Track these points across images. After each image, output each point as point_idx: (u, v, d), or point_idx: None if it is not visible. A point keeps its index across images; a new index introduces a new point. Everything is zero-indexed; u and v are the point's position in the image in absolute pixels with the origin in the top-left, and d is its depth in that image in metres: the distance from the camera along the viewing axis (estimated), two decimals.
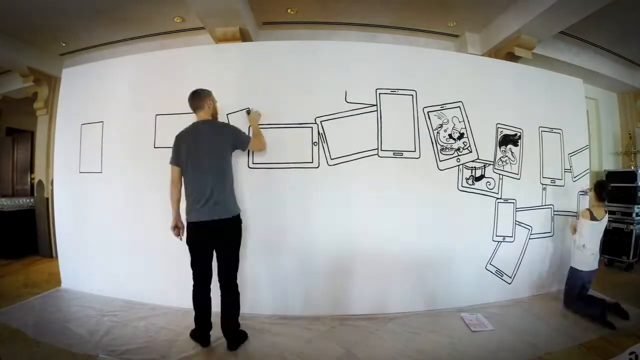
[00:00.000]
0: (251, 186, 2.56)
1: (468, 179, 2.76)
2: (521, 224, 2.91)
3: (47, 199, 4.36)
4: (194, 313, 2.10)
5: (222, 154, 2.03)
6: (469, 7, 3.52)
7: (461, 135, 2.74)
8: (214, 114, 2.19)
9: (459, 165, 2.73)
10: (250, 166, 2.56)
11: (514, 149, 2.91)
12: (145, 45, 4.06)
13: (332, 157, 2.56)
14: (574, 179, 3.17)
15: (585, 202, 3.24)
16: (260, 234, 2.56)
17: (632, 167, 4.40)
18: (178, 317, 2.49)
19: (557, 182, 3.08)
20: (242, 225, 2.16)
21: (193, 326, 2.15)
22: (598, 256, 2.69)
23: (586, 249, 2.61)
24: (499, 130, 2.87)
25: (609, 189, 2.75)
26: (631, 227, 3.95)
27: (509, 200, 2.86)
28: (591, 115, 4.60)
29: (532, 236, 2.95)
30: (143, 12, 3.52)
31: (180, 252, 2.66)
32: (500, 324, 2.40)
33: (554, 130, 3.08)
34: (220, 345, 2.10)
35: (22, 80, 4.40)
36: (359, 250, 2.58)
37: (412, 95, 2.66)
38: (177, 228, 2.17)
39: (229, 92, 2.63)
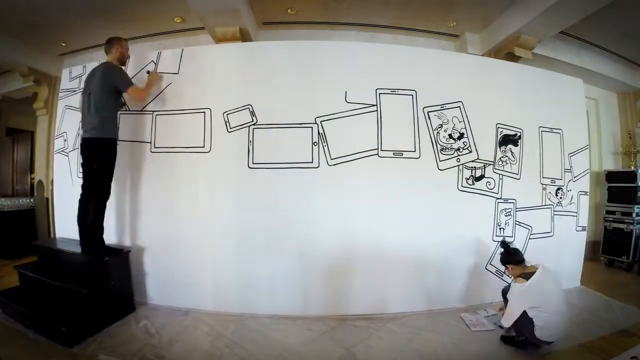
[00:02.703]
0: (251, 186, 2.56)
1: (468, 179, 2.75)
2: (521, 224, 2.91)
3: (47, 199, 4.36)
4: None
5: (102, 89, 2.42)
6: (469, 7, 3.52)
7: (461, 135, 2.74)
8: (121, 59, 2.58)
9: (459, 165, 2.72)
10: (250, 166, 2.56)
11: (514, 149, 2.91)
12: (145, 45, 4.06)
13: (332, 157, 2.56)
14: (574, 179, 3.17)
15: (584, 202, 3.24)
16: (260, 234, 2.56)
17: (632, 167, 4.39)
18: (178, 317, 2.49)
19: (557, 182, 3.08)
20: (113, 151, 2.50)
21: (192, 325, 2.21)
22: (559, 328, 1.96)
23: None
24: (499, 130, 2.87)
25: (511, 249, 2.22)
26: (631, 227, 3.95)
27: (509, 200, 2.86)
28: (591, 115, 4.60)
29: (532, 236, 2.95)
30: (143, 12, 3.53)
31: (181, 251, 2.67)
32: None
33: (554, 130, 3.08)
34: None
35: (22, 80, 4.41)
36: (359, 250, 2.58)
37: (412, 95, 2.66)
38: None
39: (228, 92, 2.64)
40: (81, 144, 2.50)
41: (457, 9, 3.56)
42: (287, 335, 2.26)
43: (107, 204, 2.54)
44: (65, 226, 3.10)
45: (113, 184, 2.58)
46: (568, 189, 3.12)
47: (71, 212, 3.02)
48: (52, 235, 4.24)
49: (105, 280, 2.40)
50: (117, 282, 2.49)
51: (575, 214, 3.16)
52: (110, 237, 2.84)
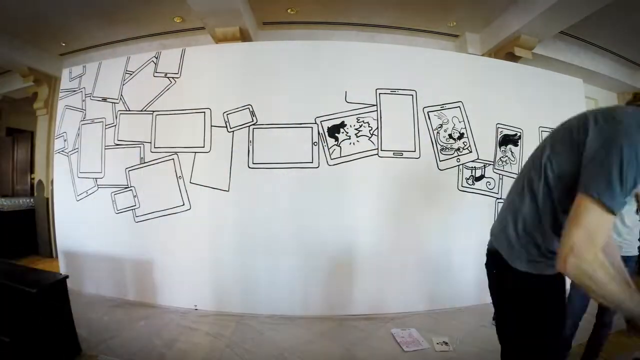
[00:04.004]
0: (251, 186, 2.56)
1: (468, 179, 2.75)
2: None
3: (47, 199, 4.36)
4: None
5: None
6: (469, 7, 3.51)
7: (461, 135, 2.74)
8: None
9: (459, 165, 2.72)
10: (250, 166, 2.56)
11: (514, 149, 2.91)
12: (145, 45, 4.06)
13: (332, 157, 2.56)
14: None
15: None
16: (260, 234, 2.56)
17: None
18: (177, 317, 2.49)
19: None
20: None
21: (192, 325, 2.17)
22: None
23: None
24: (499, 130, 2.87)
25: None
26: None
27: None
28: None
29: None
30: (143, 12, 3.52)
31: (179, 253, 2.67)
32: None
33: None
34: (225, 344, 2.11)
35: (22, 80, 4.41)
36: (359, 250, 2.58)
37: (412, 95, 2.66)
38: None
39: (228, 92, 2.64)
40: None
41: (457, 9, 3.56)
42: (287, 335, 2.26)
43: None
44: (65, 226, 3.11)
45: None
46: None
47: (71, 213, 3.03)
48: (52, 236, 4.24)
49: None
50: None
51: None
52: (107, 240, 2.85)
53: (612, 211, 0.75)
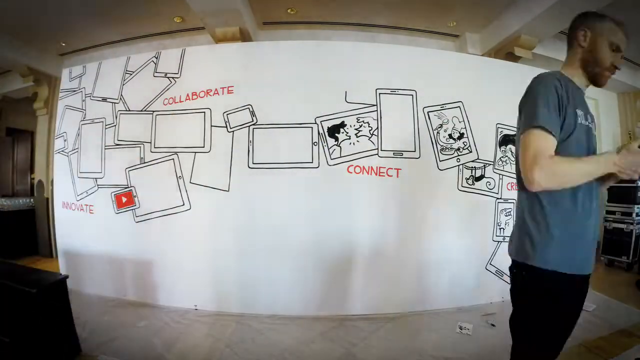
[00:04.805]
0: (251, 186, 2.56)
1: (468, 179, 2.75)
2: None
3: (47, 199, 4.36)
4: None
5: None
6: (469, 7, 3.51)
7: (461, 135, 2.74)
8: None
9: (459, 165, 2.72)
10: (250, 166, 2.56)
11: (514, 149, 2.91)
12: (145, 45, 4.06)
13: (332, 157, 2.55)
14: None
15: None
16: (260, 234, 2.56)
17: None
18: (178, 317, 2.49)
19: None
20: None
21: (192, 325, 2.18)
22: None
23: None
24: (499, 130, 2.87)
25: None
26: (631, 227, 3.95)
27: (509, 200, 2.86)
28: None
29: None
30: (143, 12, 3.52)
31: (179, 252, 2.67)
32: (500, 324, 2.40)
33: None
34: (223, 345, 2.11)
35: (22, 80, 4.41)
36: (359, 250, 2.58)
37: (412, 95, 2.66)
38: None
39: (228, 92, 2.64)
40: None
41: (457, 9, 3.56)
42: (287, 335, 2.26)
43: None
44: (65, 226, 3.11)
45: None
46: None
47: (71, 213, 3.04)
48: (52, 236, 4.24)
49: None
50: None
51: None
52: (107, 239, 2.85)
53: (548, 130, 0.90)
